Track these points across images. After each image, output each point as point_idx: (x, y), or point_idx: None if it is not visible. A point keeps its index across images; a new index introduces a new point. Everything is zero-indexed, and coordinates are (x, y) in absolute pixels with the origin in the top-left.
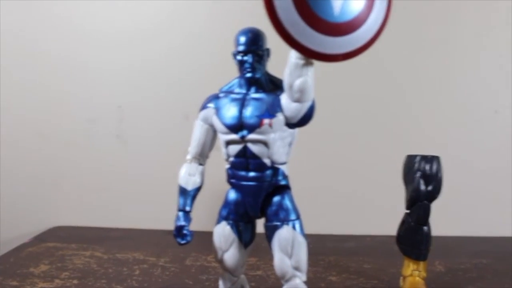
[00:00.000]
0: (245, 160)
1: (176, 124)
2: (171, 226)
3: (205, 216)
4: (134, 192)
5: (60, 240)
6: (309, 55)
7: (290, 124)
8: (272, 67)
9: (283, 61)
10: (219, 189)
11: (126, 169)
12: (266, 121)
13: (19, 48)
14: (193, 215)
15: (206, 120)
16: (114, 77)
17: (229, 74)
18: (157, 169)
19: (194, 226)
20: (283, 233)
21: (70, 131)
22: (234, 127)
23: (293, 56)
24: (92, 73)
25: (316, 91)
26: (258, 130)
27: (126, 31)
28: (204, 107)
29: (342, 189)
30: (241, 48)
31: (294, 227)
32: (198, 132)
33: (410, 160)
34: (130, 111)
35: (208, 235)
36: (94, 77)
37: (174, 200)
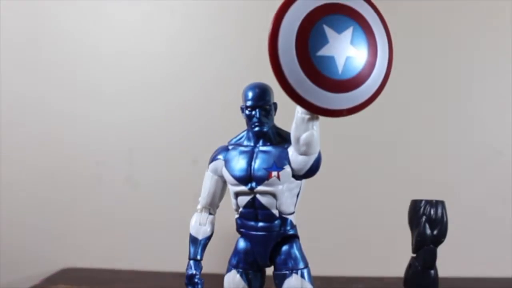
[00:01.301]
0: (254, 210)
1: (184, 168)
2: (180, 269)
3: (215, 261)
4: (143, 234)
5: (70, 282)
6: (315, 111)
7: (297, 176)
8: (280, 119)
9: (290, 114)
10: (229, 236)
11: (135, 211)
12: (274, 173)
13: (31, 93)
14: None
15: (215, 172)
16: (123, 120)
17: (236, 123)
18: (166, 212)
19: (205, 268)
20: (292, 282)
21: (80, 173)
22: (243, 179)
23: (299, 111)
24: (103, 116)
25: (320, 138)
26: (266, 182)
27: (137, 80)
28: (214, 158)
29: (350, 231)
30: (249, 103)
31: (302, 276)
32: (208, 182)
33: (415, 205)
34: (141, 155)
35: (218, 277)
36: (105, 120)
37: (183, 242)
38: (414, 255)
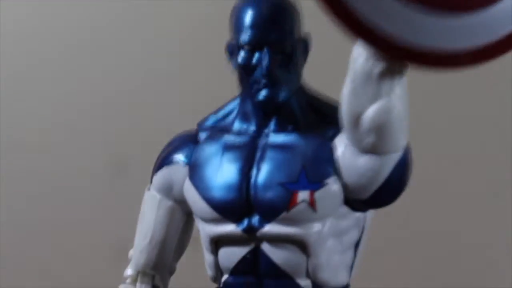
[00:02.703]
0: (255, 281)
1: (99, 181)
2: None
3: None
4: None
5: None
6: (398, 52)
7: (357, 202)
8: (311, 76)
9: (336, 65)
10: None
11: None
12: (302, 195)
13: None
14: None
15: (168, 191)
16: None
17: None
18: None
19: None
20: None
21: None
22: (233, 209)
23: (362, 56)
24: None
25: None
26: (285, 215)
27: None
28: (164, 162)
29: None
30: (247, 36)
31: None
32: (151, 217)
33: None
34: None
35: None
36: None
37: None
38: None
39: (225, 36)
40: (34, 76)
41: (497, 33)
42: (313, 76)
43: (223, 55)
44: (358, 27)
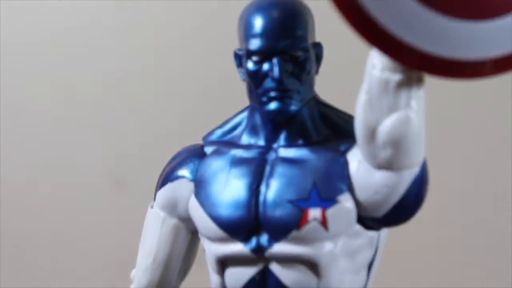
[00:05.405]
0: None
1: (95, 198)
2: None
3: None
4: None
5: None
6: (417, 62)
7: (371, 220)
8: (323, 86)
9: (351, 75)
10: None
11: None
12: (314, 213)
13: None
14: None
15: (173, 209)
16: None
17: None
18: None
19: None
20: None
21: None
22: (240, 227)
23: (378, 65)
24: None
25: None
26: (295, 233)
27: None
28: (168, 178)
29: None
30: (256, 44)
31: None
32: (154, 236)
33: None
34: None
35: None
36: None
37: None
38: None
39: (231, 44)
40: (32, 88)
41: None
42: (326, 86)
43: (229, 64)
44: (375, 34)
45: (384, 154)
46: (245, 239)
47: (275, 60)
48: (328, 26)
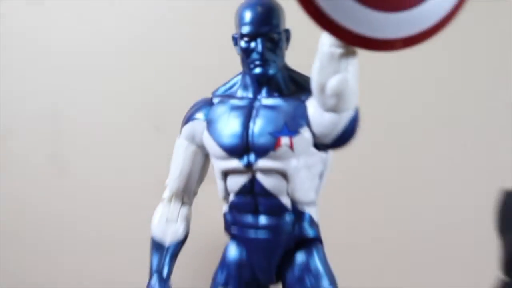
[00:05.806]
0: (252, 199)
1: (141, 137)
2: None
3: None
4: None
5: None
6: (352, 40)
7: (322, 145)
8: (293, 58)
9: (310, 50)
10: (214, 239)
11: (63, 204)
12: (284, 140)
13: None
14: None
15: (192, 139)
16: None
17: (225, 72)
18: (110, 205)
19: None
20: None
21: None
22: (236, 150)
23: (326, 43)
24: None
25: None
26: (272, 153)
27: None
28: (190, 118)
29: (399, 239)
30: (246, 29)
31: None
32: (180, 157)
33: (509, 199)
34: (69, 113)
35: None
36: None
37: (142, 255)
38: (506, 278)
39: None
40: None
41: (428, 23)
42: (293, 57)
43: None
44: (324, 21)
45: (330, 102)
46: (239, 157)
47: (258, 40)
48: (294, 17)
